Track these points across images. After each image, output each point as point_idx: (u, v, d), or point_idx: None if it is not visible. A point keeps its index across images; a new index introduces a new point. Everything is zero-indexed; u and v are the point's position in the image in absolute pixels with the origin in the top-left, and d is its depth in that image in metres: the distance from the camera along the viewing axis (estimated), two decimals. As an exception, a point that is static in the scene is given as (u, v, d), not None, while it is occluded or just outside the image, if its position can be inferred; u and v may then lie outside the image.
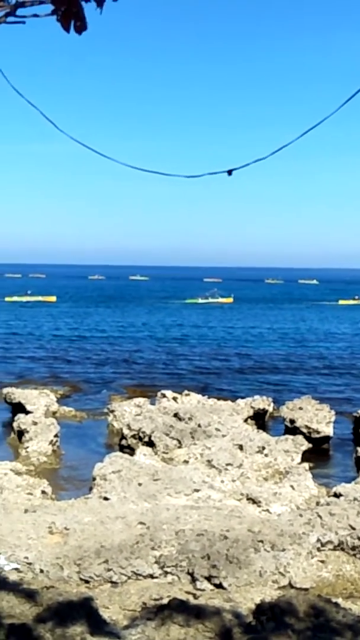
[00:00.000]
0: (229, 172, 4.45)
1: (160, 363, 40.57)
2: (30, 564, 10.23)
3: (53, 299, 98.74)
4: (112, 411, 23.64)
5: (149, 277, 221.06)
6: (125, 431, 20.28)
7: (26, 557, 10.32)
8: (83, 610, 8.16)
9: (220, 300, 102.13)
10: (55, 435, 20.49)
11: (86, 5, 3.70)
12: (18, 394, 24.36)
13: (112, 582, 10.11)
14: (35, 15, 3.69)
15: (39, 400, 23.56)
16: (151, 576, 10.34)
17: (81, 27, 3.75)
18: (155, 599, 9.45)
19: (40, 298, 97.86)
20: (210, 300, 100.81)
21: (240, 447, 17.34)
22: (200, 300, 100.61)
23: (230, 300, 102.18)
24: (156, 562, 10.50)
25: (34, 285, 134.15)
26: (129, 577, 10.26)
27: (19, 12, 3.70)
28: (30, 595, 8.66)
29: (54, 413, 23.81)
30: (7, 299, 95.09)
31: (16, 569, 10.08)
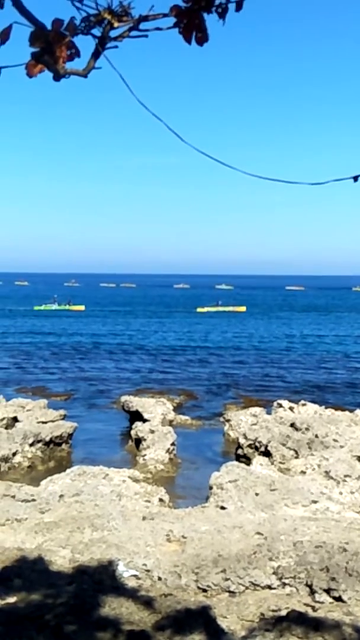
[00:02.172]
0: (355, 179, 4.34)
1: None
2: (148, 571, 10.31)
3: (243, 308, 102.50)
4: (228, 420, 23.68)
5: (233, 286, 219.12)
6: (242, 440, 20.24)
7: (144, 564, 10.41)
8: (201, 618, 8.18)
9: None
10: (172, 444, 20.66)
11: (207, 16, 3.72)
12: (135, 402, 24.72)
13: (229, 591, 10.07)
14: (158, 29, 3.72)
15: (156, 409, 23.80)
16: (269, 587, 10.25)
17: (202, 39, 3.76)
18: (274, 610, 9.36)
19: (231, 308, 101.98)
20: None
21: (359, 459, 17.01)
22: None
23: None
24: (274, 573, 10.40)
25: (127, 295, 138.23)
26: (247, 587, 10.20)
27: (142, 25, 3.73)
28: (148, 602, 8.74)
29: (171, 421, 24.01)
30: (198, 309, 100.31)
31: (135, 575, 10.18)
